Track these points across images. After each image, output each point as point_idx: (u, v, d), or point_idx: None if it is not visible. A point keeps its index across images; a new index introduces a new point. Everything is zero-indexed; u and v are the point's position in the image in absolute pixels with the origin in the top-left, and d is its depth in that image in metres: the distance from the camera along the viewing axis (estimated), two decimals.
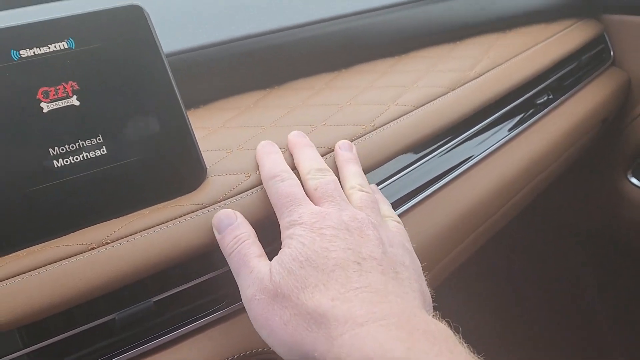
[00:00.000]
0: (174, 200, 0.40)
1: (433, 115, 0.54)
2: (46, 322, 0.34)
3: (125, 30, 0.39)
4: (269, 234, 0.40)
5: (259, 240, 0.38)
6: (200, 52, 0.55)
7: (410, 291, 0.34)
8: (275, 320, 0.33)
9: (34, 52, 0.36)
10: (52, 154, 0.37)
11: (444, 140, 0.56)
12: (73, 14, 0.37)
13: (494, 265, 1.00)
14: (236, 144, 0.47)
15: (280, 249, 0.36)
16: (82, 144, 0.37)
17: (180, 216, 0.39)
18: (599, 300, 0.97)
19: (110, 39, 0.38)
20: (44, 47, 0.36)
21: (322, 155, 0.45)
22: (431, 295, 0.38)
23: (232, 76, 0.57)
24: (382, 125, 0.51)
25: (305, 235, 0.35)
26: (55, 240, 0.36)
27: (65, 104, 0.37)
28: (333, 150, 0.46)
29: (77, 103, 0.37)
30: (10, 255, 0.35)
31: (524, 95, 0.67)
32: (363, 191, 0.41)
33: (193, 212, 0.39)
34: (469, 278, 0.85)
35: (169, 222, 0.38)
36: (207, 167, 0.43)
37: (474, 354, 0.30)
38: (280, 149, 0.44)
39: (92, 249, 0.36)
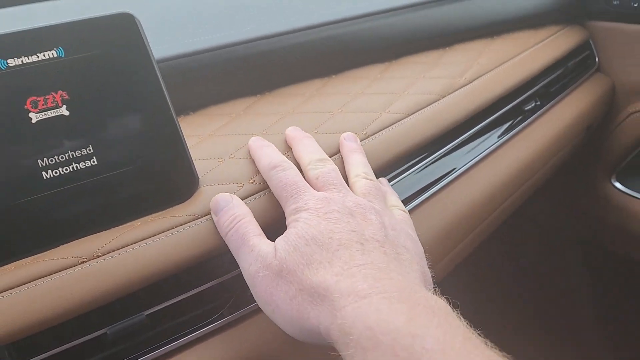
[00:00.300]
0: (166, 211, 0.39)
1: (424, 122, 0.54)
2: (36, 337, 0.33)
3: (116, 38, 0.38)
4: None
5: None
6: (192, 58, 0.54)
7: (412, 271, 0.35)
8: (280, 296, 0.34)
9: (22, 61, 0.35)
10: (41, 165, 0.36)
11: (435, 148, 0.56)
12: (63, 22, 0.36)
13: (483, 270, 1.01)
14: (228, 153, 0.46)
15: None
16: (72, 154, 0.37)
17: (173, 227, 0.38)
18: (586, 303, 0.98)
19: (101, 47, 0.37)
20: (33, 56, 0.36)
21: None
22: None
23: (223, 82, 0.57)
24: (374, 134, 0.51)
25: (311, 218, 0.36)
26: (44, 253, 0.35)
27: (55, 114, 0.36)
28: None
29: (66, 113, 0.37)
30: None
31: (512, 102, 0.67)
32: (367, 179, 0.42)
33: (186, 223, 0.38)
34: (458, 284, 0.86)
35: (162, 234, 0.37)
36: (199, 176, 0.42)
37: (472, 328, 0.30)
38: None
39: (83, 262, 0.35)
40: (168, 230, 0.38)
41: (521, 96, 0.69)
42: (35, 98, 0.36)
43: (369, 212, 0.38)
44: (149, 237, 0.37)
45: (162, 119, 0.40)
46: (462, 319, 0.31)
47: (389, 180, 0.52)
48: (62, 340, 0.35)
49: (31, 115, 0.36)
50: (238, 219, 0.37)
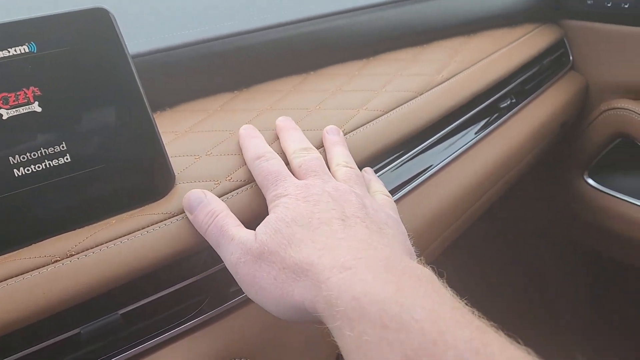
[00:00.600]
0: (141, 208, 0.39)
1: (401, 120, 0.55)
2: (8, 338, 0.33)
3: (90, 33, 0.37)
4: None
5: None
6: (168, 53, 0.54)
7: (396, 243, 0.36)
8: (263, 277, 0.34)
9: None
10: (12, 162, 0.35)
11: (412, 145, 0.57)
12: (35, 16, 0.36)
13: (457, 266, 1.02)
14: (204, 150, 0.46)
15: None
16: (45, 151, 0.36)
17: (149, 225, 0.38)
18: (560, 296, 1.00)
19: (74, 42, 0.37)
20: (4, 51, 0.35)
21: None
22: None
23: (200, 78, 0.56)
24: (352, 131, 0.51)
25: (291, 202, 0.37)
26: (16, 252, 0.35)
27: (26, 110, 0.35)
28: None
29: (38, 109, 0.36)
30: None
31: (488, 99, 0.68)
32: (348, 167, 0.43)
33: (161, 221, 0.38)
34: None
35: (137, 232, 0.37)
36: (176, 173, 0.42)
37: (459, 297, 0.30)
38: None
39: (56, 261, 0.34)
40: (143, 228, 0.37)
41: (497, 94, 0.70)
42: (5, 94, 0.35)
43: (349, 194, 0.38)
44: (124, 236, 0.36)
45: (137, 115, 0.39)
46: (449, 289, 0.31)
47: None
48: (35, 340, 0.34)
49: (2, 111, 0.35)
50: (215, 213, 0.37)
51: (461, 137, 0.64)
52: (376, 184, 0.46)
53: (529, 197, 0.94)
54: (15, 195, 0.35)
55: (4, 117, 0.35)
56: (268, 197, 0.39)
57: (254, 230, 0.37)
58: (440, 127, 0.60)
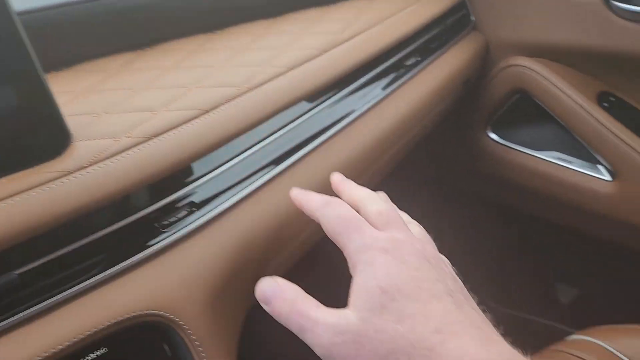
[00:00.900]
0: (35, 167, 0.38)
1: (306, 77, 0.56)
2: None
3: None
4: (141, 199, 0.39)
5: None
6: (61, 10, 0.51)
7: (488, 324, 0.34)
8: (370, 357, 0.30)
9: None
10: None
11: (317, 101, 0.58)
12: None
13: None
14: (103, 108, 0.45)
15: (353, 276, 0.33)
16: None
17: (43, 184, 0.37)
18: (466, 247, 1.06)
19: None
20: None
21: (196, 117, 0.45)
22: None
23: (98, 37, 0.54)
24: (257, 87, 0.52)
25: (389, 263, 0.33)
26: None
27: None
28: (207, 112, 0.46)
29: None
30: None
31: (394, 57, 0.70)
32: (390, 212, 0.38)
33: (57, 178, 0.37)
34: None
35: (31, 190, 0.36)
36: (73, 132, 0.41)
37: None
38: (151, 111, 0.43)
39: None
40: (38, 186, 0.36)
41: (402, 52, 0.72)
42: None
43: (439, 261, 0.36)
44: (17, 194, 0.35)
45: (25, 73, 0.38)
46: None
47: (270, 134, 0.52)
48: None
49: None
50: (293, 300, 0.34)
51: (368, 93, 0.66)
52: (402, 214, 0.42)
53: (436, 153, 0.98)
54: None
55: None
56: (350, 248, 0.34)
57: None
58: (346, 84, 0.62)
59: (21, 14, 0.39)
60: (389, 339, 0.30)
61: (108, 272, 0.39)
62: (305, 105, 0.57)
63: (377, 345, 0.30)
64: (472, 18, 0.90)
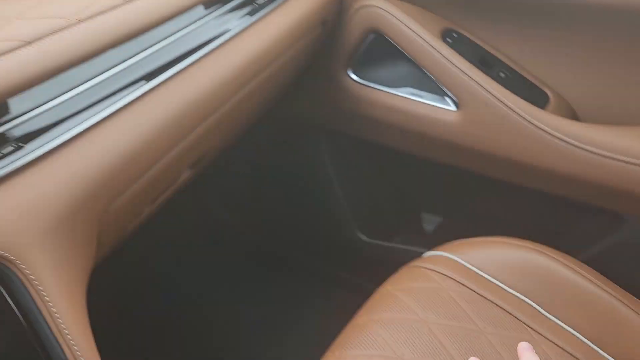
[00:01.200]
0: None
1: (142, 10, 0.54)
2: None
3: None
4: None
5: None
6: None
7: None
8: None
9: None
10: None
11: (159, 37, 0.57)
12: None
13: (242, 157, 1.08)
14: None
15: None
16: None
17: None
18: (324, 181, 1.10)
19: None
20: None
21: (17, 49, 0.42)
22: None
23: None
24: (88, 19, 0.49)
25: None
26: None
27: None
28: (30, 43, 0.44)
29: None
30: None
31: None
32: None
33: None
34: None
35: None
36: None
37: None
38: None
39: None
40: None
41: None
42: None
43: None
44: None
45: None
46: None
47: (108, 69, 0.50)
48: None
49: None
50: None
51: (219, 27, 0.65)
52: None
53: (299, 94, 1.00)
54: None
55: None
56: None
57: None
58: (191, 17, 0.60)
59: None
60: None
61: None
62: (146, 40, 0.55)
63: None
64: None
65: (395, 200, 1.15)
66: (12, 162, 0.40)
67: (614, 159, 0.75)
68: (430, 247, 0.79)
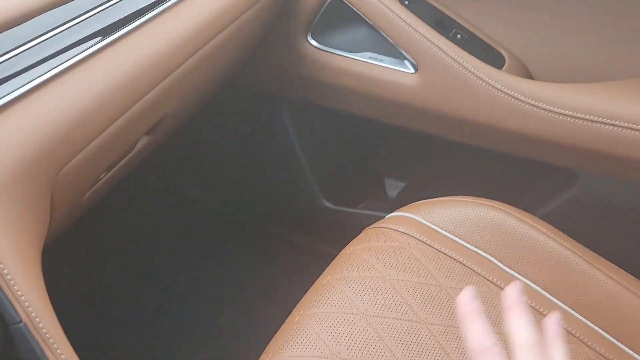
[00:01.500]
0: None
1: None
2: None
3: None
4: None
5: None
6: None
7: None
8: None
9: None
10: None
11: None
12: None
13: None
14: None
15: None
16: None
17: None
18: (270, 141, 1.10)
19: None
20: None
21: None
22: None
23: None
24: None
25: None
26: None
27: None
28: None
29: None
30: None
31: None
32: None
33: None
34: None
35: None
36: None
37: None
38: None
39: None
40: None
41: None
42: None
43: None
44: None
45: None
46: None
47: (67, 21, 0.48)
48: None
49: None
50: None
51: None
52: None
53: (259, 60, 0.99)
54: None
55: None
56: None
57: None
58: None
59: None
60: None
61: None
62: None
63: None
64: None
65: (359, 167, 1.16)
66: None
67: (567, 115, 0.78)
68: (394, 210, 0.80)
